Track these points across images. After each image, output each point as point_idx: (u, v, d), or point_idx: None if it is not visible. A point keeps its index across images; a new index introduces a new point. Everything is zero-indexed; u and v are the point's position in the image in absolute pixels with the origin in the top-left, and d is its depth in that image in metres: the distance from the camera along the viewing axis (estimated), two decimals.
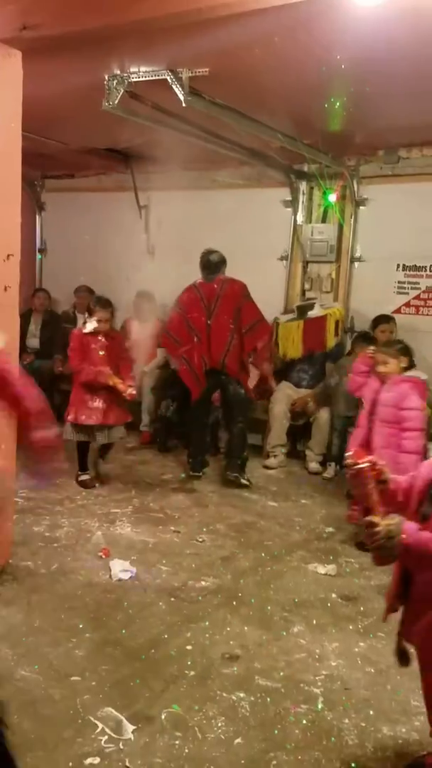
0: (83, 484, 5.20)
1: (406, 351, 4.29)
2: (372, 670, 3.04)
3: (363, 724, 2.67)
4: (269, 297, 6.73)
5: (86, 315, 5.53)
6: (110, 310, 5.20)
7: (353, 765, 2.44)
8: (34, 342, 7.46)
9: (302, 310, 6.43)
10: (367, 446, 3.96)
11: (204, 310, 5.58)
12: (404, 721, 2.70)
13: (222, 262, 5.71)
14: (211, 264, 5.70)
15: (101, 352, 5.09)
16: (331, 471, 5.86)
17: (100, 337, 5.13)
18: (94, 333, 5.11)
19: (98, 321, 5.09)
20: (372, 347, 4.55)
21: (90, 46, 3.75)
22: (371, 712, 2.75)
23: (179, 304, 5.82)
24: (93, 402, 5.06)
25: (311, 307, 6.44)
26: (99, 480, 5.30)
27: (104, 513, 4.72)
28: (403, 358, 4.22)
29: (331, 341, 6.24)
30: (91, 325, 5.10)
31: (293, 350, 6.35)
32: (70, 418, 5.12)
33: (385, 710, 2.77)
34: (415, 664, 3.07)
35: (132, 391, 5.09)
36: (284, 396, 6.17)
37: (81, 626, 3.26)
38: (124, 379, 5.11)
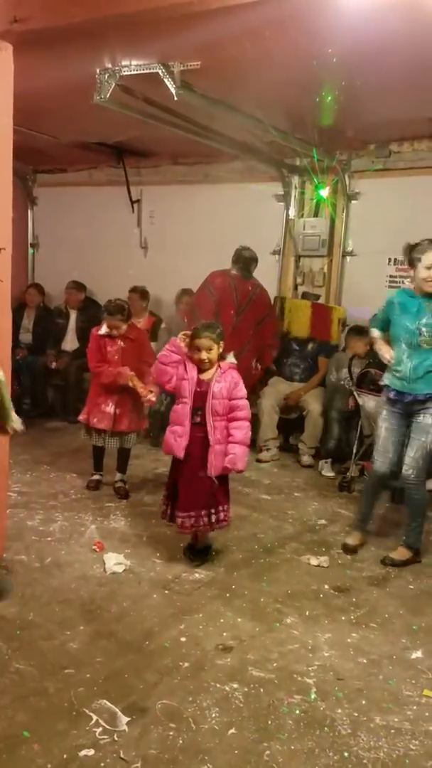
0: (88, 484, 5.07)
1: (221, 335, 3.84)
2: (364, 661, 3.07)
3: (355, 714, 2.70)
4: None
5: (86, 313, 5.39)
6: (120, 317, 4.78)
7: (346, 754, 2.46)
8: (27, 337, 7.45)
9: (308, 297, 6.50)
10: (197, 446, 3.73)
11: (234, 304, 5.57)
12: (396, 711, 2.73)
13: (253, 261, 5.77)
14: (248, 262, 5.75)
15: (116, 356, 4.81)
16: (328, 469, 5.82)
17: (117, 340, 4.84)
18: (110, 336, 4.84)
19: (108, 328, 4.81)
20: (185, 332, 3.89)
21: (81, 39, 3.74)
22: (364, 702, 2.77)
23: (211, 287, 5.75)
24: (106, 406, 4.80)
25: (316, 298, 6.50)
26: (118, 493, 4.95)
27: (98, 507, 4.73)
28: (221, 342, 3.80)
29: (336, 335, 6.28)
30: (104, 329, 4.84)
31: (299, 329, 6.40)
32: (82, 417, 4.92)
33: (377, 700, 2.79)
34: (410, 656, 3.11)
35: (152, 397, 4.78)
36: (273, 390, 6.19)
37: (75, 619, 3.27)
38: (145, 384, 4.78)
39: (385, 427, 4.09)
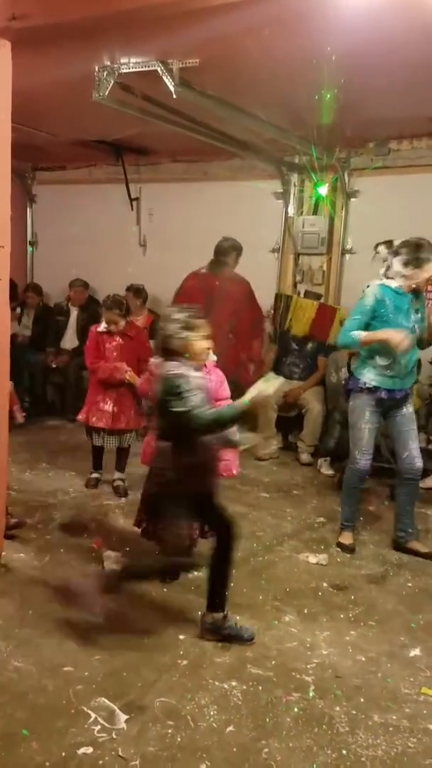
0: (87, 482, 5.07)
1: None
2: (363, 659, 3.07)
3: (354, 712, 2.70)
4: (260, 289, 6.74)
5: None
6: (117, 312, 4.78)
7: (344, 752, 2.47)
8: (26, 334, 7.45)
9: (309, 296, 6.51)
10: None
11: (204, 303, 5.57)
12: (395, 709, 2.73)
13: (231, 249, 5.67)
14: (219, 251, 5.70)
15: (114, 353, 4.80)
16: (327, 467, 5.81)
17: (115, 336, 4.83)
18: (109, 332, 4.84)
19: (107, 323, 4.81)
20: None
21: (80, 36, 3.73)
22: (362, 700, 2.78)
23: (181, 291, 5.82)
24: (104, 404, 4.79)
25: (318, 297, 6.50)
26: (117, 492, 4.95)
27: (97, 505, 4.73)
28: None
29: (334, 336, 6.28)
30: (103, 325, 4.84)
31: (299, 327, 6.39)
32: (81, 417, 4.91)
33: (375, 698, 2.80)
34: (408, 654, 3.11)
35: None
36: None
37: (73, 617, 3.27)
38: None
39: (368, 428, 4.06)
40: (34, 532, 4.22)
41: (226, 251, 5.75)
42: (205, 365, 3.51)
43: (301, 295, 6.59)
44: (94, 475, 5.12)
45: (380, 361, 3.95)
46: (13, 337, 7.03)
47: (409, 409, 4.11)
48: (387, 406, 4.06)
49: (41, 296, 7.72)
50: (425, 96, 4.65)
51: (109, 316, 4.79)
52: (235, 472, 3.79)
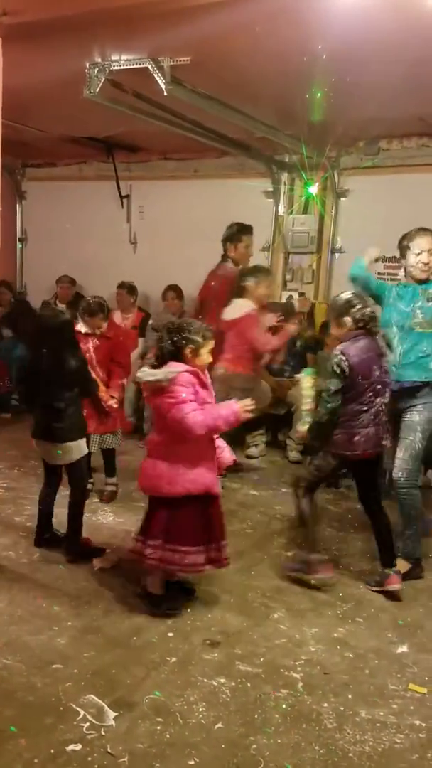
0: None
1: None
2: (351, 655, 3.09)
3: (342, 708, 2.72)
4: None
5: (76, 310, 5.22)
6: (101, 317, 4.62)
7: (332, 748, 2.48)
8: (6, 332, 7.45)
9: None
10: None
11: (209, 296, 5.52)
12: (382, 705, 2.75)
13: (228, 239, 5.38)
14: (222, 243, 5.50)
15: (88, 354, 4.54)
16: None
17: (91, 338, 4.64)
18: (85, 333, 4.65)
19: (91, 328, 4.63)
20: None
21: (70, 33, 3.73)
22: (350, 696, 2.79)
23: (203, 289, 5.78)
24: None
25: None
26: (102, 498, 4.83)
27: (87, 503, 4.71)
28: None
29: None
30: (84, 327, 4.65)
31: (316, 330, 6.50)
32: None
33: (363, 694, 2.81)
34: (396, 650, 3.13)
35: (112, 402, 4.62)
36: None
37: (63, 615, 3.27)
38: (109, 386, 4.67)
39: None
40: (23, 529, 4.20)
41: (223, 243, 5.54)
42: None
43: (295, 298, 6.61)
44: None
45: None
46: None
47: (412, 417, 3.77)
48: (390, 405, 3.69)
49: (12, 291, 7.71)
50: (415, 95, 4.68)
51: (95, 322, 4.62)
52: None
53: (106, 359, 4.75)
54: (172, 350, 3.14)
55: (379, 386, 3.53)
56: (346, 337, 3.57)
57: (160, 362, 3.17)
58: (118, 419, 4.86)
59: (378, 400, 3.53)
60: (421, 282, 3.84)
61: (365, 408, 3.49)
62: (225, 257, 5.51)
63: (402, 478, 3.77)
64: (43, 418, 3.83)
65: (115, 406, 4.70)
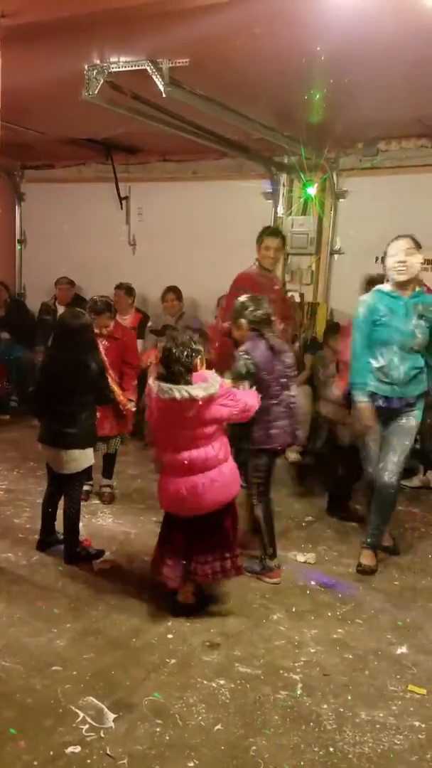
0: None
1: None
2: (350, 656, 3.09)
3: (341, 709, 2.71)
4: None
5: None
6: (108, 315, 4.63)
7: (331, 749, 2.48)
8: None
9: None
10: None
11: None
12: (381, 706, 2.75)
13: (256, 240, 5.14)
14: None
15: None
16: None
17: (101, 339, 4.55)
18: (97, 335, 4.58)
19: (98, 328, 4.55)
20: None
21: (69, 34, 3.73)
22: (349, 697, 2.79)
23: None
24: None
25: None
26: (103, 499, 4.81)
27: (86, 504, 4.70)
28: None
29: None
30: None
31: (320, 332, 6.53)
32: None
33: (362, 695, 2.81)
34: (395, 651, 3.13)
35: (131, 406, 4.63)
36: None
37: (62, 616, 3.27)
38: (124, 389, 4.63)
39: (373, 438, 3.92)
40: (22, 531, 4.20)
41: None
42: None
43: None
44: (85, 487, 4.84)
45: (373, 362, 3.81)
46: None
47: (409, 422, 3.84)
48: (386, 415, 3.85)
49: (8, 291, 7.71)
50: (414, 96, 4.68)
51: (102, 321, 4.60)
52: None
53: (118, 361, 4.71)
54: (189, 366, 3.14)
55: (283, 380, 3.74)
56: (247, 338, 3.75)
57: (176, 377, 3.11)
58: (130, 422, 4.83)
59: (285, 393, 3.75)
60: (402, 286, 3.77)
61: (275, 401, 3.69)
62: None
63: (394, 480, 3.84)
64: (54, 423, 3.75)
65: (133, 409, 4.69)
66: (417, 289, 3.85)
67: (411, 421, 3.85)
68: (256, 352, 3.64)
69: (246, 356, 3.63)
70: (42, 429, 3.85)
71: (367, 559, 3.92)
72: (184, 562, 3.29)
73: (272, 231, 5.29)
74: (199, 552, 3.28)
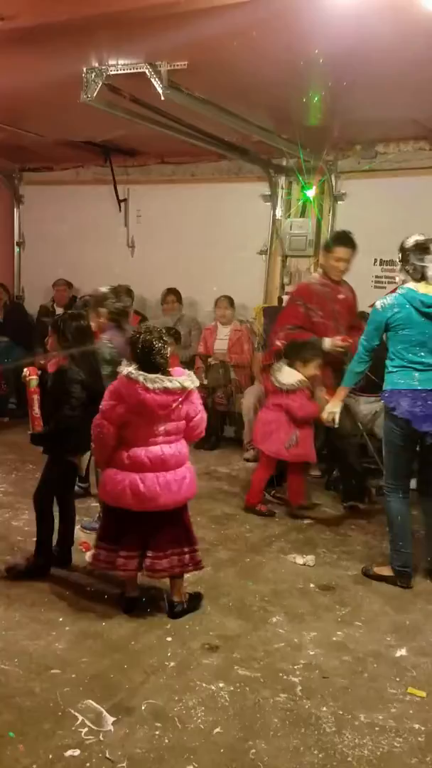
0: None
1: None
2: (349, 659, 3.08)
3: (340, 712, 2.71)
4: (248, 291, 6.77)
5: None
6: (99, 312, 4.53)
7: (331, 752, 2.47)
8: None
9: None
10: None
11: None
12: (381, 708, 2.75)
13: (324, 245, 5.01)
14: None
15: None
16: (314, 468, 5.75)
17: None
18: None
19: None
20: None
21: (67, 37, 3.73)
22: (349, 700, 2.79)
23: None
24: None
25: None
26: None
27: (84, 507, 4.70)
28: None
29: None
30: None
31: None
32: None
33: (362, 698, 2.81)
34: (394, 654, 3.13)
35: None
36: (256, 390, 6.23)
37: (61, 619, 3.26)
38: None
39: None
40: (20, 534, 4.20)
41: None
42: None
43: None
44: (79, 486, 4.82)
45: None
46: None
47: None
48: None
49: (9, 293, 7.71)
50: (412, 99, 4.69)
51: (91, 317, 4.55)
52: None
53: None
54: (167, 358, 3.23)
55: None
56: (107, 327, 4.13)
57: (159, 369, 3.15)
58: None
59: None
60: None
61: None
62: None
63: None
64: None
65: None
66: None
67: None
68: (117, 339, 3.98)
69: (110, 343, 3.97)
70: (84, 437, 3.53)
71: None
72: (139, 556, 3.27)
73: (345, 239, 4.86)
74: (157, 546, 3.26)
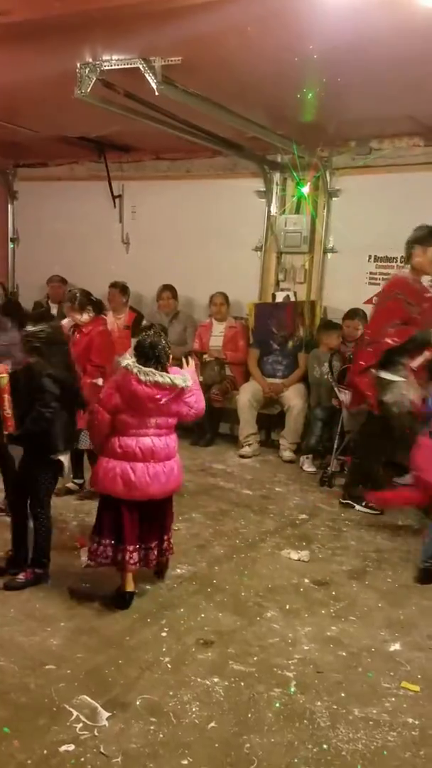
0: (68, 490, 4.84)
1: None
2: (344, 654, 3.10)
3: (335, 707, 2.72)
4: (243, 287, 6.76)
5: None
6: (68, 305, 4.74)
7: (325, 746, 2.49)
8: None
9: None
10: None
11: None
12: (375, 703, 2.76)
13: (417, 240, 4.60)
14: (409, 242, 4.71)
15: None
16: (309, 464, 5.82)
17: (75, 333, 4.69)
18: (72, 327, 4.72)
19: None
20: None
21: (61, 33, 3.72)
22: (343, 695, 2.80)
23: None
24: None
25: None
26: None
27: (79, 504, 4.71)
28: None
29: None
30: (66, 320, 4.75)
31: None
32: None
33: (356, 692, 2.82)
34: (388, 648, 3.14)
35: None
36: (251, 387, 6.24)
37: (56, 615, 3.27)
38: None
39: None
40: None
41: (408, 247, 4.70)
42: None
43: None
44: (72, 483, 4.91)
45: None
46: None
47: None
48: None
49: (5, 290, 7.67)
50: (406, 95, 4.68)
51: (68, 310, 4.78)
52: None
53: (83, 356, 4.58)
54: (168, 359, 3.40)
55: None
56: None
57: (157, 365, 3.31)
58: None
59: None
60: None
61: None
62: (408, 261, 4.73)
63: None
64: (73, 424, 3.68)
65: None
66: None
67: None
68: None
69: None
70: (66, 434, 3.58)
71: None
72: (139, 549, 3.39)
73: None
74: (150, 538, 3.45)
